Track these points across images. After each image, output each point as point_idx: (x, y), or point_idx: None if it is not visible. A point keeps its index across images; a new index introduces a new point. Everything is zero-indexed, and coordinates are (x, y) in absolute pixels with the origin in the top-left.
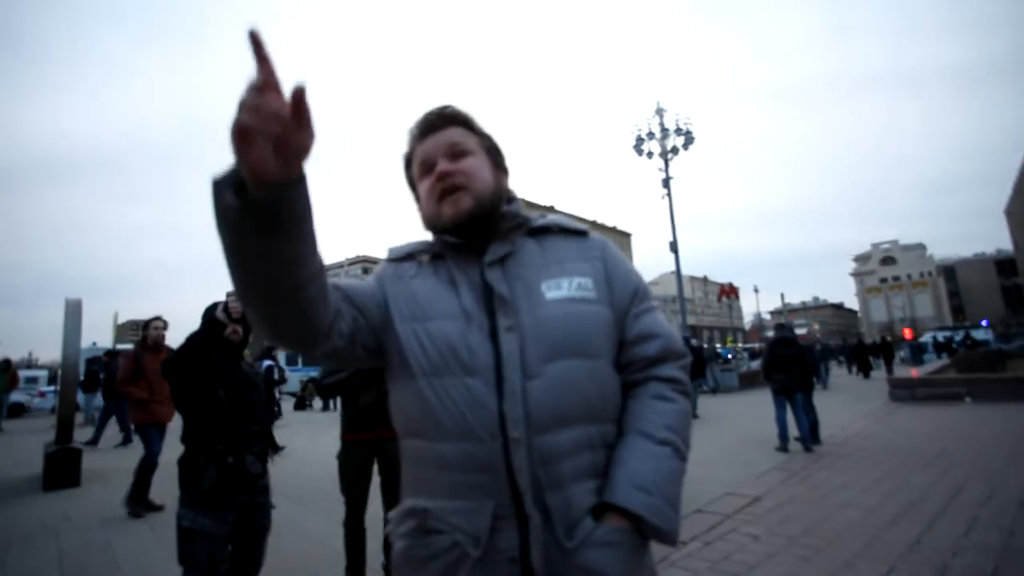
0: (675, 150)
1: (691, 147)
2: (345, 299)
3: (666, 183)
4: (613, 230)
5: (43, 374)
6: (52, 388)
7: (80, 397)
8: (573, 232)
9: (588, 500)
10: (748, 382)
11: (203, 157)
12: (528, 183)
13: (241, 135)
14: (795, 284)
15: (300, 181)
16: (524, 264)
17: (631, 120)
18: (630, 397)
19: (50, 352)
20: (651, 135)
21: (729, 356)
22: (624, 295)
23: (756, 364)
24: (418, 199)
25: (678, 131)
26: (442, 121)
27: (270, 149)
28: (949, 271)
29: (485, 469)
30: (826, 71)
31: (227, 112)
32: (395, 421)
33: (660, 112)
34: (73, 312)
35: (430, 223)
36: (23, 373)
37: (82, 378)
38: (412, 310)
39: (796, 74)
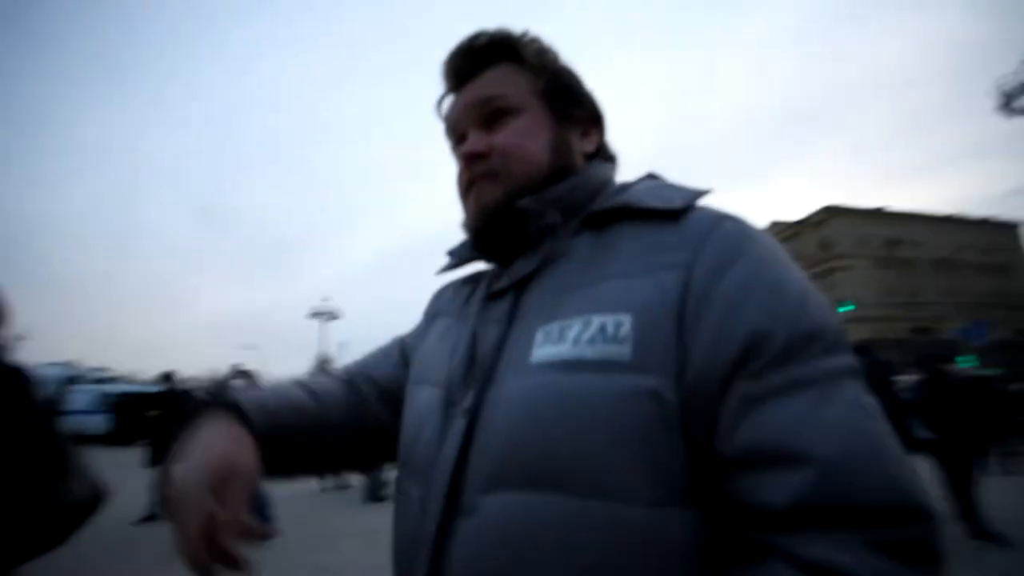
0: None
1: None
2: (374, 385)
3: None
4: (985, 223)
5: None
6: None
7: None
8: (658, 214)
9: None
10: None
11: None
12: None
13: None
14: None
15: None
16: (547, 288)
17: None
18: None
19: None
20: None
21: None
22: (717, 347)
23: None
24: None
25: None
26: (474, 63)
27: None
28: None
29: None
30: None
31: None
32: None
33: None
34: None
35: (464, 223)
36: None
37: None
38: (415, 368)
39: None
